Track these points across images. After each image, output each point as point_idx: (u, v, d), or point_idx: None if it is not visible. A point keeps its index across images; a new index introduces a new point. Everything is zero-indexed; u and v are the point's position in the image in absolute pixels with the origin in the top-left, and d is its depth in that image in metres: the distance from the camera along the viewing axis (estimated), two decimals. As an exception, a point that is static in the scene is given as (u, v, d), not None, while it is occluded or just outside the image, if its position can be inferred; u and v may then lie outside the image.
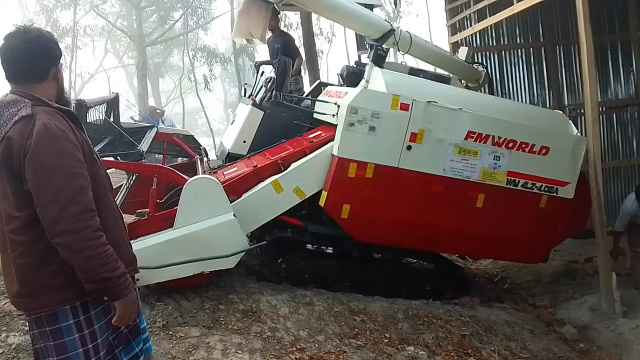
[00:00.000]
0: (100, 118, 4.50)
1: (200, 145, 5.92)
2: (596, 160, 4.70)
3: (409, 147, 4.30)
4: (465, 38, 7.71)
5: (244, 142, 5.13)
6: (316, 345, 3.63)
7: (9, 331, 3.29)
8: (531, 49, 8.05)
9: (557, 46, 7.99)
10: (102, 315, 1.87)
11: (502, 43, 8.03)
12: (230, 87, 35.78)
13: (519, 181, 4.58)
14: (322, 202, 4.33)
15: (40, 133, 1.69)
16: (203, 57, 22.53)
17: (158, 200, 4.12)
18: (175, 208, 3.88)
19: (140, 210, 4.03)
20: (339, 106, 4.35)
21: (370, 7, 5.47)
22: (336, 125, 4.36)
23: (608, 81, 7.97)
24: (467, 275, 5.90)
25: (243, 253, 3.97)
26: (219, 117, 40.68)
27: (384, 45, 5.19)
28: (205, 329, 3.57)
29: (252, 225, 4.23)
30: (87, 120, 4.16)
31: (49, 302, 1.78)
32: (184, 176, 3.99)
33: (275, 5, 5.18)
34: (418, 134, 4.30)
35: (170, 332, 3.47)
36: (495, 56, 7.96)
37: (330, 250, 4.94)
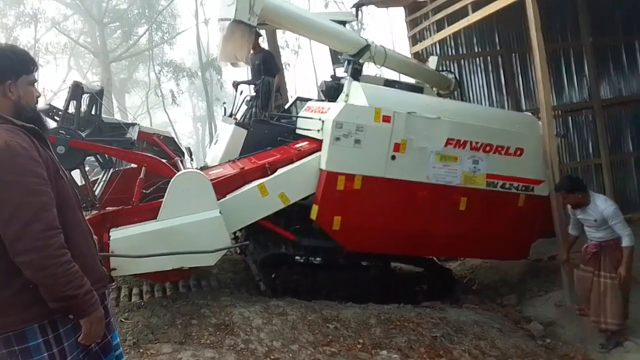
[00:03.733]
0: (83, 110, 4.34)
1: (181, 147, 5.78)
2: (553, 160, 4.92)
3: (393, 157, 4.44)
4: (426, 48, 7.93)
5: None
6: (290, 354, 3.65)
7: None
8: (489, 57, 8.35)
9: (513, 54, 8.31)
10: (71, 332, 1.84)
11: (460, 52, 8.30)
12: (199, 101, 35.50)
13: (497, 182, 4.80)
14: (313, 216, 4.40)
15: (1, 151, 1.68)
16: (169, 72, 22.37)
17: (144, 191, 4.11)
18: (160, 200, 3.85)
19: (108, 209, 4.00)
20: (323, 122, 4.43)
21: (343, 23, 5.61)
22: (321, 140, 4.42)
23: (562, 86, 8.31)
24: (454, 276, 6.06)
25: (225, 251, 4.00)
26: (188, 132, 40.28)
27: (360, 60, 5.31)
28: (177, 345, 3.53)
29: (234, 225, 4.24)
30: (69, 110, 4.09)
31: (15, 321, 1.75)
32: (173, 169, 3.99)
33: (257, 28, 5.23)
34: (401, 144, 4.44)
35: (142, 350, 3.43)
36: (455, 65, 8.20)
37: (321, 261, 4.97)
